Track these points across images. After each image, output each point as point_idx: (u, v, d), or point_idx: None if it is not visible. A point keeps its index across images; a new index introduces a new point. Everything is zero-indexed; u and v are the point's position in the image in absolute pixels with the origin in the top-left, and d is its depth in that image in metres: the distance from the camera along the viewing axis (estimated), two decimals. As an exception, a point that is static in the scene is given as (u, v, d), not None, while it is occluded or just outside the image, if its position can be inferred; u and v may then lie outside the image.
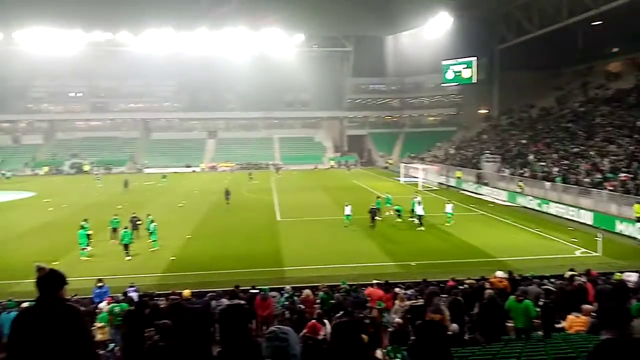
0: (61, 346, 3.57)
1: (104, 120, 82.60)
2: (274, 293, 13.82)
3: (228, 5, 60.51)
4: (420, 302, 11.25)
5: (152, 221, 23.95)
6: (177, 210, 34.85)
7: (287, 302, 13.01)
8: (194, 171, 68.90)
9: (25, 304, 12.58)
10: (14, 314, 10.40)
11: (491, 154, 47.85)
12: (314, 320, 6.75)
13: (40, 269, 4.10)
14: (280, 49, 74.94)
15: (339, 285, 15.18)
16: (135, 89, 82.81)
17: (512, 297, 10.39)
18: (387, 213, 30.72)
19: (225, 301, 11.90)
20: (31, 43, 69.28)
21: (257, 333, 11.15)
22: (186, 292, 13.32)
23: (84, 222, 23.27)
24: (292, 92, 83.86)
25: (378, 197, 30.46)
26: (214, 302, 12.31)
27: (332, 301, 12.67)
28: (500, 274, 14.44)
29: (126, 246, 22.12)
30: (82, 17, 62.40)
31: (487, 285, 13.16)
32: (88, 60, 74.79)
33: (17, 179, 59.60)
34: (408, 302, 11.70)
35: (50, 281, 3.95)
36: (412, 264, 20.63)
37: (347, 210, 28.36)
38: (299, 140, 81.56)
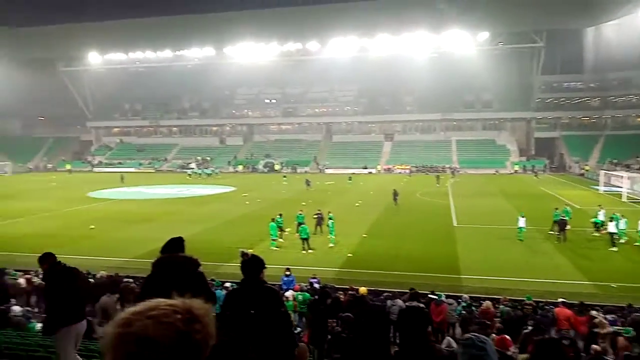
0: (263, 321, 4.03)
1: (293, 124, 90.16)
2: (450, 300, 13.42)
3: (412, 10, 60.65)
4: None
5: (330, 218, 25.40)
6: (355, 209, 36.19)
7: (464, 312, 12.51)
8: (370, 173, 70.75)
9: (227, 284, 14.51)
10: (219, 292, 12.06)
11: None
12: (503, 335, 6.37)
13: (244, 254, 4.69)
14: (461, 48, 72.39)
15: (523, 300, 14.05)
16: (320, 94, 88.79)
17: None
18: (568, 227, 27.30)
19: (399, 302, 11.94)
20: (236, 56, 79.61)
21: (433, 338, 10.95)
22: (362, 289, 13.74)
23: (278, 217, 25.61)
24: (473, 92, 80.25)
25: (556, 209, 27.36)
26: (389, 302, 12.47)
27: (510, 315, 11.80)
28: None
29: (305, 240, 23.78)
30: (278, 30, 69.37)
31: None
32: (280, 69, 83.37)
33: (222, 175, 68.77)
34: (610, 329, 10.25)
35: (253, 265, 4.50)
36: (613, 285, 17.98)
37: (521, 222, 25.59)
38: (478, 143, 77.55)
